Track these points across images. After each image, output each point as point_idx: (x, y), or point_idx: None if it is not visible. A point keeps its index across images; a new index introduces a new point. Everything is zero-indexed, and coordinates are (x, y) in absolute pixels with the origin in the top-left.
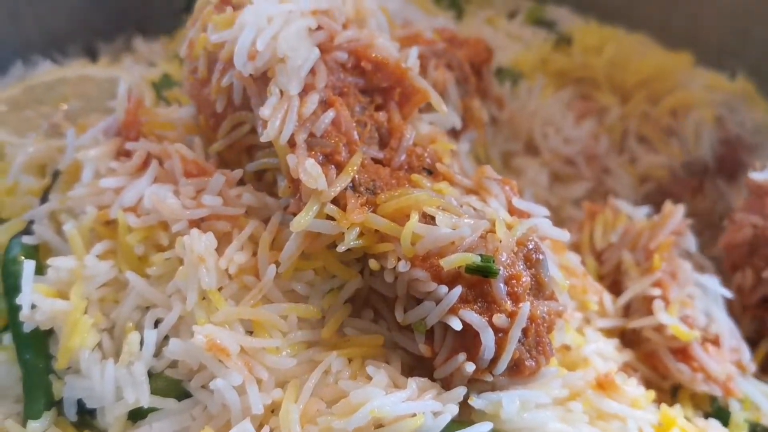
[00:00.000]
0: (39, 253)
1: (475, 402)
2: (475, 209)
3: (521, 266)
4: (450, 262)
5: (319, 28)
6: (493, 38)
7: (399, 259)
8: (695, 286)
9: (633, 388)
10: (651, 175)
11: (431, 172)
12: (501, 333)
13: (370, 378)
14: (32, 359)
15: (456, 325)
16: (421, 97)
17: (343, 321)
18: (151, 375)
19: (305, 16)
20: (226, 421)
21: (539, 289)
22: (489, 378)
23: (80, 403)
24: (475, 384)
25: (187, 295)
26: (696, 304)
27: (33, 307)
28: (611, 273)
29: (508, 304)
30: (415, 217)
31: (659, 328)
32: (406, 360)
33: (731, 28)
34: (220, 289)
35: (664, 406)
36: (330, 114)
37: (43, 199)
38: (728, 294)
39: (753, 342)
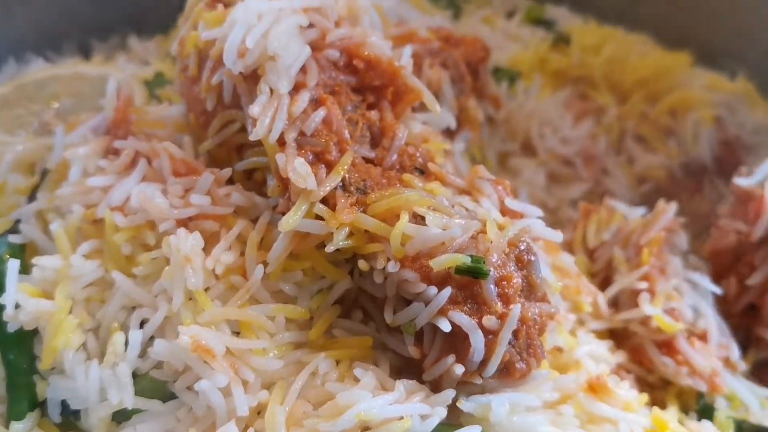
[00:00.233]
0: (26, 253)
1: (464, 405)
2: (466, 209)
3: (512, 267)
4: (440, 263)
5: (310, 25)
6: (490, 37)
7: (388, 260)
8: (685, 282)
9: (625, 391)
10: (649, 175)
11: (423, 172)
12: (491, 335)
13: (357, 380)
14: (16, 359)
15: (445, 326)
16: (414, 96)
17: (332, 322)
18: (136, 376)
19: (296, 13)
20: (211, 423)
21: (531, 290)
22: (478, 380)
23: (64, 404)
24: (464, 386)
25: (173, 296)
26: (684, 299)
27: (17, 306)
28: (603, 270)
29: (499, 306)
30: (405, 217)
31: (645, 321)
32: (395, 362)
33: (731, 28)
34: (206, 289)
35: (656, 409)
36: (321, 112)
37: (31, 197)
38: (718, 290)
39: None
